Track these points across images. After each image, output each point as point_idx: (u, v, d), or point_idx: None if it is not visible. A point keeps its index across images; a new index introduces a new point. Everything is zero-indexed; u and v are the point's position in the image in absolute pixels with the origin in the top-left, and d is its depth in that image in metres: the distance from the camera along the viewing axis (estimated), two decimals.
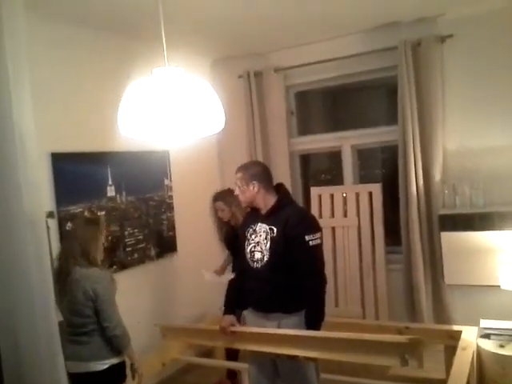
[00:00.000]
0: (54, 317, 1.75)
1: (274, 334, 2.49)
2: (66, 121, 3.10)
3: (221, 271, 3.69)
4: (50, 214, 2.91)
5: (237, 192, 2.60)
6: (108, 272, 2.58)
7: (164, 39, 1.88)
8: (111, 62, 3.42)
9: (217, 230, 3.62)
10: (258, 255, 2.49)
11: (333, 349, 2.43)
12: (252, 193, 2.53)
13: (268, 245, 2.46)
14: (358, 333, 2.60)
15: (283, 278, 2.44)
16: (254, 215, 2.61)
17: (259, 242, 2.50)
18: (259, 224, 2.54)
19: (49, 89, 2.99)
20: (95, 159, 3.28)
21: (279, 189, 2.61)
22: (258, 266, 2.49)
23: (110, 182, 3.39)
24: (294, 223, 2.43)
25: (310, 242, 2.40)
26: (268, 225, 2.50)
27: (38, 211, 1.70)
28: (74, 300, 2.37)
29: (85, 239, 2.45)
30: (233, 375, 3.55)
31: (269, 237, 2.47)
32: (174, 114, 1.75)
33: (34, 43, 2.82)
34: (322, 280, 2.46)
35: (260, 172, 2.58)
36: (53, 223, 2.94)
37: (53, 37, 3.05)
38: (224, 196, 3.48)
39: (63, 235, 2.92)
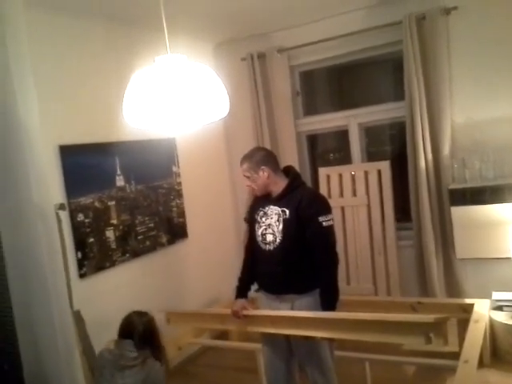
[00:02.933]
0: (68, 307, 1.79)
1: (295, 316, 2.51)
2: (72, 114, 3.11)
3: None
4: (61, 206, 2.94)
5: (248, 183, 2.58)
6: None
7: (165, 25, 1.88)
8: (114, 52, 3.41)
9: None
10: (269, 237, 2.50)
11: (356, 329, 2.47)
12: (263, 179, 2.53)
13: (280, 227, 2.46)
14: (381, 313, 2.62)
15: (296, 259, 2.46)
16: (263, 198, 2.61)
17: (270, 224, 2.51)
18: (270, 206, 2.54)
19: (54, 82, 3.00)
20: (103, 150, 3.30)
21: (289, 171, 2.61)
22: (271, 248, 2.50)
23: (118, 172, 3.41)
24: (306, 205, 2.44)
25: (324, 223, 2.42)
26: (280, 207, 2.50)
27: (48, 204, 1.72)
28: None
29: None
30: None
31: (281, 219, 2.48)
32: (178, 101, 1.75)
33: (38, 37, 2.83)
34: (335, 260, 2.48)
35: (265, 156, 2.58)
36: (64, 215, 2.97)
37: (55, 30, 3.04)
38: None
39: None
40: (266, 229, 2.53)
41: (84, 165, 3.16)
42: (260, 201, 2.64)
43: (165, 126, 1.96)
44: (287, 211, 2.47)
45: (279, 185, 2.54)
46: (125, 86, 1.85)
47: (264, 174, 2.52)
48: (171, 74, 1.78)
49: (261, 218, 2.57)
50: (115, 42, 3.44)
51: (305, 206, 2.44)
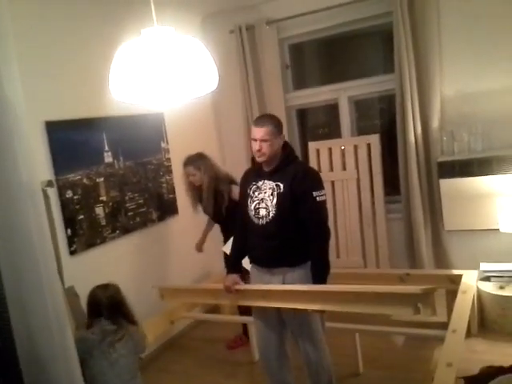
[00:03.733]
0: (59, 285, 1.78)
1: (286, 290, 2.53)
2: (58, 89, 3.05)
3: (203, 238, 3.81)
4: (49, 183, 2.90)
5: (259, 148, 2.45)
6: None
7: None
8: (100, 25, 3.33)
9: (189, 196, 3.61)
10: (263, 212, 2.50)
11: (346, 301, 2.49)
12: (279, 146, 2.50)
13: (274, 201, 2.46)
14: (371, 285, 2.66)
15: (289, 233, 2.47)
16: (254, 172, 2.60)
17: (263, 198, 2.51)
18: (264, 181, 2.53)
19: (39, 57, 2.93)
20: (90, 125, 3.25)
21: (284, 146, 2.59)
22: (264, 222, 2.50)
23: (106, 148, 3.37)
24: (301, 180, 2.45)
25: (317, 198, 2.43)
26: (274, 181, 2.49)
27: (36, 181, 1.70)
28: None
29: None
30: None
31: (275, 193, 2.47)
32: (165, 74, 1.72)
33: (21, 11, 2.76)
34: (327, 235, 2.50)
35: (281, 123, 2.56)
36: (52, 192, 2.94)
37: (40, 4, 2.95)
38: (195, 160, 3.46)
39: None
40: (259, 203, 2.52)
41: (71, 141, 3.11)
42: (251, 175, 2.62)
43: (152, 100, 1.93)
44: (281, 185, 2.46)
45: (277, 158, 2.53)
46: (111, 60, 1.81)
47: (280, 142, 2.50)
48: (158, 46, 1.75)
49: (253, 193, 2.56)
50: (101, 15, 3.36)
51: (299, 180, 2.44)
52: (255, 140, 2.46)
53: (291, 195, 2.43)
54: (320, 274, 2.47)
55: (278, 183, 2.48)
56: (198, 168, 3.43)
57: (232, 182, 3.43)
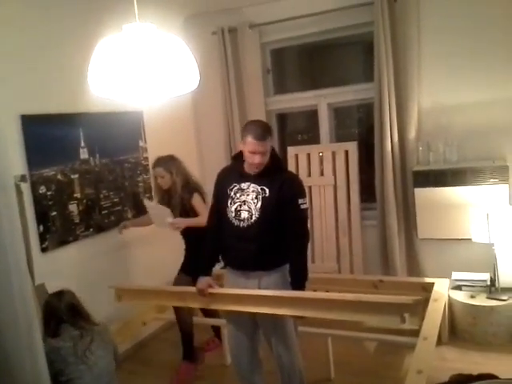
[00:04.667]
0: (29, 282, 1.74)
1: (263, 295, 2.51)
2: (35, 82, 3.00)
3: (134, 223, 3.57)
4: (23, 178, 2.84)
5: (259, 161, 2.43)
6: None
7: None
8: (81, 19, 3.29)
9: (156, 199, 3.48)
10: (244, 214, 2.48)
11: (330, 308, 2.52)
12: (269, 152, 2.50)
13: (259, 204, 2.46)
14: (360, 294, 2.68)
15: (268, 237, 2.47)
16: (236, 173, 2.57)
17: (246, 201, 2.49)
18: (249, 184, 2.51)
19: (16, 50, 2.88)
20: (67, 121, 3.20)
21: (271, 152, 2.58)
22: (244, 224, 2.48)
23: (82, 144, 3.31)
24: (288, 187, 2.48)
25: (301, 206, 2.47)
26: (259, 185, 2.49)
27: (9, 175, 1.66)
28: None
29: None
30: (193, 356, 3.40)
31: (260, 197, 2.47)
32: (145, 71, 1.70)
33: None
34: (307, 241, 2.54)
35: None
36: (26, 187, 2.88)
37: None
38: (166, 162, 3.29)
39: None
40: (240, 205, 2.51)
41: (47, 136, 3.05)
42: (232, 175, 2.59)
43: (131, 96, 1.91)
44: (267, 190, 2.47)
45: None
46: (91, 55, 1.78)
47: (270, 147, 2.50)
48: (139, 42, 1.73)
49: (235, 194, 2.54)
50: (83, 9, 3.31)
51: (287, 188, 2.47)
52: (254, 153, 2.41)
53: (277, 201, 2.45)
54: (299, 279, 2.48)
55: (264, 187, 2.48)
56: (169, 170, 3.26)
57: (196, 190, 3.28)
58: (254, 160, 2.43)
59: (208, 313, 3.46)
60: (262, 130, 2.44)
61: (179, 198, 3.25)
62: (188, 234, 3.29)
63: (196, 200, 3.23)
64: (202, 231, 2.79)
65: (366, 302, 2.47)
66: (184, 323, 3.33)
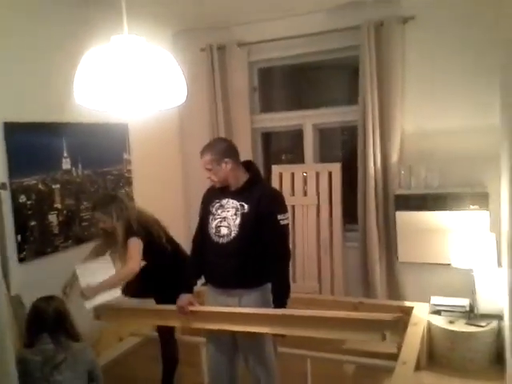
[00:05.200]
0: (3, 292, 1.69)
1: (246, 313, 2.48)
2: (19, 90, 2.97)
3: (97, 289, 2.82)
4: (3, 186, 2.80)
5: (208, 175, 2.52)
6: None
7: (124, 5, 1.81)
8: (68, 29, 3.28)
9: (101, 242, 3.07)
10: (224, 230, 2.47)
11: (312, 326, 2.48)
12: (226, 171, 2.47)
13: (237, 221, 2.44)
14: (342, 311, 2.66)
15: (249, 254, 2.45)
16: (219, 189, 2.57)
17: (226, 217, 2.48)
18: (228, 200, 2.51)
19: (1, 57, 2.85)
20: (50, 130, 3.16)
21: (249, 165, 2.58)
22: (224, 241, 2.47)
23: (65, 154, 3.27)
24: (267, 202, 2.45)
25: (281, 222, 2.44)
26: (238, 201, 2.47)
27: None
28: None
29: None
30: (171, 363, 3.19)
31: (239, 213, 2.45)
32: (132, 83, 1.70)
33: None
34: (288, 258, 2.52)
35: (229, 148, 2.54)
36: (5, 195, 2.83)
37: (6, 5, 2.88)
38: (105, 204, 2.88)
39: None
40: (220, 221, 2.49)
41: (29, 144, 3.01)
42: (215, 192, 2.59)
43: (117, 107, 1.89)
44: (246, 206, 2.45)
45: (239, 178, 2.51)
46: (77, 65, 1.77)
47: (227, 166, 2.47)
48: (127, 54, 1.72)
49: (216, 210, 2.53)
50: (70, 20, 3.31)
51: (265, 203, 2.44)
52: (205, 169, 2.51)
53: (255, 216, 2.42)
54: (280, 297, 2.46)
55: (243, 203, 2.46)
56: (109, 214, 2.84)
57: (136, 234, 2.82)
58: (206, 175, 2.52)
59: (162, 331, 3.12)
60: (204, 146, 2.54)
61: (121, 245, 2.83)
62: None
63: (130, 243, 2.80)
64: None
65: (347, 320, 2.46)
66: (169, 348, 3.13)
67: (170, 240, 3.04)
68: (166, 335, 3.10)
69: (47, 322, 2.22)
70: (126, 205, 2.94)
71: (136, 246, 2.81)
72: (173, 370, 3.16)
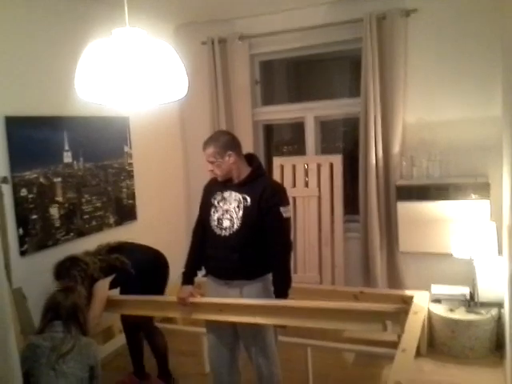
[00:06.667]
0: (6, 285, 1.71)
1: (247, 304, 2.49)
2: (21, 84, 2.97)
3: None
4: (4, 180, 2.82)
5: (211, 168, 2.52)
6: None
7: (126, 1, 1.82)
8: (69, 23, 3.28)
9: None
10: (226, 223, 2.48)
11: (313, 317, 2.52)
12: (229, 164, 2.48)
13: (240, 213, 2.45)
14: (343, 302, 2.69)
15: (250, 246, 2.46)
16: (219, 183, 2.57)
17: (228, 209, 2.49)
18: (231, 192, 2.51)
19: (1, 52, 2.85)
20: (52, 124, 3.17)
21: (251, 158, 2.59)
22: (226, 233, 2.48)
23: (66, 148, 3.28)
24: (269, 194, 2.45)
25: (284, 214, 2.45)
26: (241, 193, 2.48)
27: None
28: None
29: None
30: (142, 374, 3.23)
31: (241, 205, 2.46)
32: (134, 76, 1.71)
33: None
34: (289, 250, 2.54)
35: (231, 140, 2.54)
36: (7, 189, 2.85)
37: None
38: (65, 270, 2.78)
39: None
40: (223, 214, 2.50)
41: (31, 138, 3.02)
42: (217, 184, 2.59)
43: (118, 101, 1.90)
44: (248, 198, 2.46)
45: (242, 171, 2.52)
46: (78, 59, 1.78)
47: (230, 159, 2.47)
48: (129, 47, 1.73)
49: (218, 203, 2.54)
50: (72, 14, 3.31)
51: (268, 195, 2.44)
52: (207, 162, 2.52)
53: (258, 209, 2.44)
54: (282, 288, 2.48)
55: (245, 196, 2.47)
56: (74, 279, 2.71)
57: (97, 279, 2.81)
58: (208, 168, 2.52)
59: (129, 326, 3.15)
60: (208, 139, 2.54)
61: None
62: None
63: (94, 291, 2.80)
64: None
65: (348, 310, 2.48)
66: (154, 338, 3.15)
67: (145, 251, 3.13)
68: (143, 326, 3.13)
69: (62, 310, 2.29)
70: (86, 261, 2.84)
71: (98, 292, 2.81)
72: (165, 358, 3.20)
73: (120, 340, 3.52)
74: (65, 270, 2.79)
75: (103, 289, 2.84)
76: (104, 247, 3.02)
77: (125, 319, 3.14)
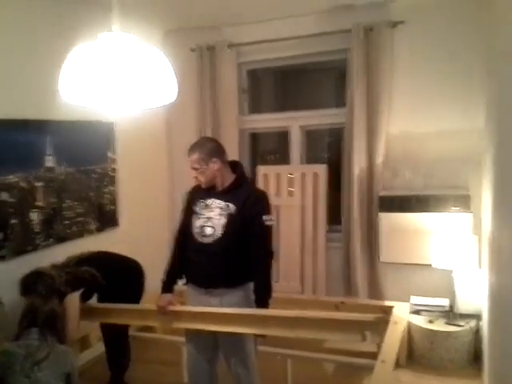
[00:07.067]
0: None
1: (227, 313, 2.48)
2: (3, 86, 2.93)
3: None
4: None
5: (195, 175, 2.51)
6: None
7: (114, 3, 1.81)
8: (55, 25, 3.26)
9: None
10: (208, 230, 2.47)
11: (292, 326, 2.50)
12: (213, 170, 2.47)
13: (222, 221, 2.44)
14: (323, 311, 2.69)
15: (232, 254, 2.45)
16: (202, 190, 2.56)
17: (211, 217, 2.48)
18: (214, 199, 2.50)
19: None
20: (34, 127, 3.13)
21: (235, 166, 2.59)
22: (208, 241, 2.46)
23: (48, 152, 3.24)
24: (253, 202, 2.45)
25: (266, 222, 2.45)
26: (224, 201, 2.47)
27: None
28: None
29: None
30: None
31: (224, 213, 2.45)
32: (120, 80, 1.68)
33: None
34: (271, 259, 2.52)
35: (217, 147, 2.54)
36: None
37: None
38: (32, 283, 2.67)
39: None
40: (205, 221, 2.49)
41: (12, 141, 2.97)
42: (200, 191, 2.58)
43: (104, 104, 1.88)
44: (231, 206, 2.45)
45: (226, 178, 2.52)
46: (63, 61, 1.76)
47: (215, 165, 2.47)
48: (115, 50, 1.71)
49: (201, 210, 2.53)
50: (57, 17, 3.28)
51: (251, 203, 2.44)
52: (192, 168, 2.50)
53: (241, 217, 2.43)
54: (262, 297, 2.47)
55: (229, 203, 2.47)
56: (40, 295, 2.55)
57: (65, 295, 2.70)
58: (192, 175, 2.51)
59: (112, 336, 3.12)
60: (192, 145, 2.53)
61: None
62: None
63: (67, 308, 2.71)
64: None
65: (328, 320, 2.48)
66: (122, 347, 3.13)
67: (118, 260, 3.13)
68: (119, 335, 3.11)
69: (39, 318, 2.24)
70: (52, 275, 2.73)
71: (69, 309, 2.73)
72: (126, 369, 3.18)
73: (97, 349, 3.46)
74: (30, 285, 2.69)
75: (73, 305, 2.78)
76: (73, 259, 2.94)
77: (105, 327, 3.10)
